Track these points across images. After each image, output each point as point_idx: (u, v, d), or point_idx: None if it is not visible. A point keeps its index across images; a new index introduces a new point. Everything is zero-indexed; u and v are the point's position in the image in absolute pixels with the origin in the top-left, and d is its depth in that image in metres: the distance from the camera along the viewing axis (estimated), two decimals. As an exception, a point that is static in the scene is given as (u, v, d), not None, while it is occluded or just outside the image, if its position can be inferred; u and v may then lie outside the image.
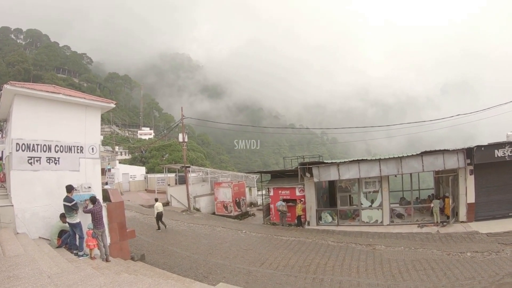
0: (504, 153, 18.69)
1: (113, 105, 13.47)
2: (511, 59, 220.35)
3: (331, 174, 21.93)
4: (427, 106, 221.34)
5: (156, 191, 35.68)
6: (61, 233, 10.53)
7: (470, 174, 19.58)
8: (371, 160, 21.18)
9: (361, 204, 21.88)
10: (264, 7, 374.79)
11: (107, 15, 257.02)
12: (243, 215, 30.86)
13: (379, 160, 20.78)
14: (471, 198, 19.49)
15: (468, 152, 19.36)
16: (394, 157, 20.61)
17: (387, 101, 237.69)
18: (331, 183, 24.89)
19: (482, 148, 19.20)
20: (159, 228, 21.60)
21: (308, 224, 22.77)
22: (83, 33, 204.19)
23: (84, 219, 10.52)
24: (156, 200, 23.25)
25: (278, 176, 27.52)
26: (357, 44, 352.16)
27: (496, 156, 18.84)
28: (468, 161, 19.40)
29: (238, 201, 30.71)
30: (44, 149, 10.78)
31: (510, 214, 19.05)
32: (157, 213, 21.82)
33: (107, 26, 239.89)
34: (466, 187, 19.66)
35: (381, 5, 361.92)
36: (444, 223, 19.26)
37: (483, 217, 19.21)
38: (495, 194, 19.42)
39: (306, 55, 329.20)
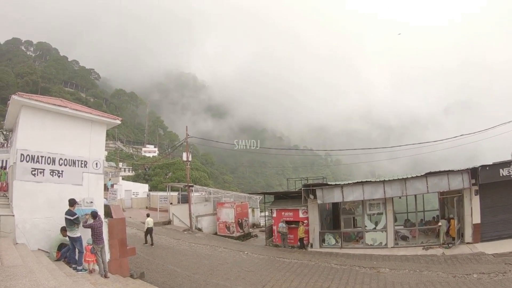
0: (509, 172, 18.43)
1: (118, 122, 13.55)
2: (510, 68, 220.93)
3: (335, 196, 21.77)
4: (430, 126, 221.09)
5: (158, 209, 35.43)
6: (61, 246, 10.41)
7: (475, 194, 19.30)
8: (375, 181, 21.03)
9: (365, 226, 21.61)
10: (272, 23, 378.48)
11: (116, 32, 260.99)
12: (245, 236, 30.55)
13: (383, 181, 20.62)
14: (477, 219, 19.15)
15: (473, 172, 19.11)
16: (398, 179, 20.46)
17: (390, 122, 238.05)
18: (335, 205, 24.65)
19: (487, 168, 18.97)
20: (146, 242, 21.66)
21: (311, 246, 22.46)
22: (91, 48, 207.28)
23: (84, 234, 10.42)
24: (148, 215, 23.37)
25: (281, 197, 27.34)
26: (360, 64, 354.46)
27: (501, 175, 18.58)
28: (473, 181, 19.11)
29: (240, 222, 30.46)
30: (48, 162, 10.80)
31: None
32: (147, 228, 22.07)
33: (115, 42, 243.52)
34: (471, 208, 19.35)
35: (382, 23, 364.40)
36: (449, 245, 18.91)
37: (489, 237, 18.81)
38: (501, 214, 19.09)
39: (311, 70, 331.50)
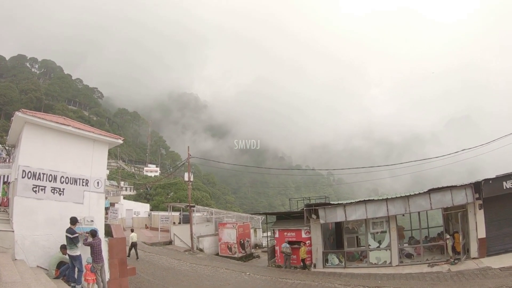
0: None
1: (120, 141, 13.63)
2: (509, 87, 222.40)
3: (338, 215, 21.59)
4: (432, 142, 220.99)
5: (159, 229, 35.15)
6: (60, 264, 10.31)
7: (480, 209, 19.07)
8: (377, 200, 20.89)
9: (369, 245, 21.33)
10: (272, 46, 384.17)
11: (120, 52, 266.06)
12: (248, 257, 30.17)
13: (386, 199, 20.48)
14: (482, 233, 18.85)
15: (476, 186, 18.97)
16: (401, 196, 20.33)
17: (391, 139, 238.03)
18: (338, 224, 24.39)
19: (490, 181, 18.82)
20: (129, 255, 21.70)
21: (314, 266, 22.14)
22: (95, 67, 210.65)
23: (84, 253, 10.31)
24: (132, 230, 24.36)
25: (283, 217, 27.13)
26: (362, 80, 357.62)
27: (505, 188, 18.42)
28: (477, 195, 18.95)
29: (242, 242, 30.15)
30: (50, 179, 10.79)
31: None
32: (132, 242, 22.95)
33: (118, 62, 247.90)
34: (476, 222, 19.08)
35: (383, 40, 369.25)
36: (455, 261, 18.59)
37: (496, 251, 18.51)
38: (507, 227, 18.83)
39: (311, 94, 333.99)
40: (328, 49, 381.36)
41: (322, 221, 21.89)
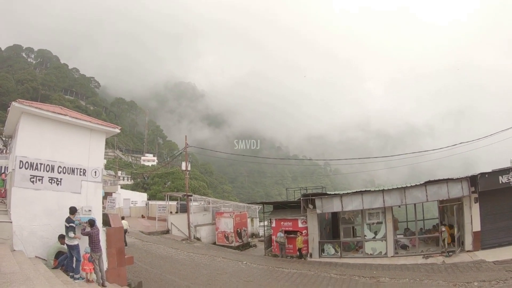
0: (509, 179, 18.42)
1: (118, 131, 13.56)
2: (505, 87, 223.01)
3: (334, 206, 21.72)
4: (428, 135, 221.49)
5: (156, 218, 35.29)
6: (58, 254, 10.36)
7: (475, 202, 19.25)
8: (374, 191, 21.02)
9: (365, 235, 21.51)
10: (267, 39, 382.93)
11: (116, 41, 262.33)
12: (244, 246, 30.39)
13: (383, 191, 20.60)
14: (477, 226, 19.07)
15: (472, 180, 19.11)
16: (397, 188, 20.46)
17: (387, 132, 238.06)
18: (334, 215, 24.53)
19: (486, 175, 18.94)
20: None
21: (311, 256, 22.33)
22: (91, 57, 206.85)
23: (82, 243, 10.36)
24: (123, 218, 24.24)
25: (280, 207, 27.24)
26: (358, 75, 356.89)
27: (500, 182, 18.55)
28: (473, 189, 19.09)
29: (239, 231, 30.33)
30: (47, 169, 10.76)
31: None
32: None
33: (115, 51, 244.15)
34: (471, 216, 19.29)
35: (381, 37, 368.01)
36: (450, 253, 18.82)
37: (490, 245, 18.75)
38: (501, 221, 19.04)
39: (308, 87, 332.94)
40: (324, 45, 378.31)
41: (318, 211, 22.01)
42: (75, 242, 10.07)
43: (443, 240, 19.68)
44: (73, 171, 11.51)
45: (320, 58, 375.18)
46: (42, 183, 10.60)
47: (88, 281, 10.00)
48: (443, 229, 19.90)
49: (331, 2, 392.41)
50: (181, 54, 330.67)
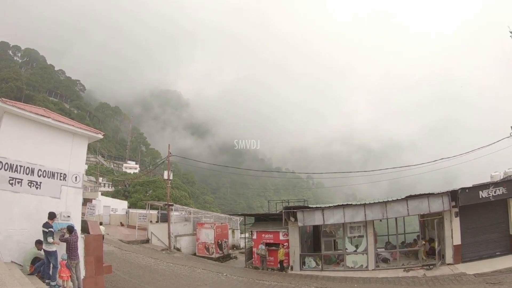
0: (489, 194, 18.93)
1: (100, 136, 13.43)
2: (486, 100, 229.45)
3: (316, 219, 21.80)
4: (410, 149, 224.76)
5: (137, 227, 34.81)
6: (35, 260, 10.07)
7: (456, 216, 19.64)
8: (356, 205, 21.21)
9: (346, 249, 21.61)
10: (259, 47, 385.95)
11: (106, 41, 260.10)
12: (225, 258, 30.16)
13: (364, 205, 20.81)
14: (457, 240, 19.44)
15: (453, 195, 19.51)
16: (379, 202, 20.71)
17: (370, 146, 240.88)
18: (316, 228, 24.62)
19: (467, 190, 19.39)
20: None
21: (292, 269, 22.27)
22: (78, 59, 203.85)
23: (59, 249, 10.13)
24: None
25: (262, 219, 27.21)
26: (345, 85, 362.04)
27: (480, 197, 19.05)
28: (453, 203, 19.49)
29: (220, 243, 30.09)
30: (27, 172, 10.49)
31: (497, 253, 19.09)
32: None
33: (103, 55, 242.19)
34: (452, 229, 19.66)
35: (367, 48, 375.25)
36: (430, 266, 19.04)
37: (470, 258, 19.14)
38: (481, 235, 19.51)
39: (295, 94, 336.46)
40: (313, 54, 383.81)
41: (300, 224, 22.04)
42: (53, 248, 9.84)
43: (421, 253, 20.05)
44: (53, 175, 11.26)
45: (309, 67, 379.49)
46: (21, 186, 10.31)
47: (64, 288, 9.77)
48: (424, 242, 20.24)
49: (325, 11, 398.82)
50: (172, 57, 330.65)
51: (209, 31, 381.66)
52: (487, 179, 21.91)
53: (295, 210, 22.38)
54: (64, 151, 11.81)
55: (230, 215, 43.23)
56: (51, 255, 9.79)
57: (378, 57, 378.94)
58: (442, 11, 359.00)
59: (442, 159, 24.14)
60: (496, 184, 19.60)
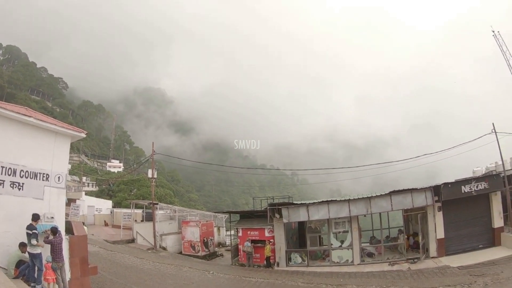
0: (471, 188, 19.52)
1: (83, 135, 13.25)
2: (469, 94, 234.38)
3: (301, 215, 22.02)
4: (394, 145, 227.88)
5: (121, 227, 34.46)
6: (19, 263, 9.90)
7: (439, 211, 20.16)
8: (340, 200, 21.47)
9: (331, 244, 21.86)
10: (238, 51, 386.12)
11: (86, 44, 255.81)
12: (211, 256, 30.14)
13: (348, 200, 21.10)
14: (441, 234, 19.98)
15: (436, 190, 20.03)
16: (363, 198, 21.06)
17: (355, 142, 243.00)
18: (301, 224, 24.84)
19: (449, 185, 19.96)
20: None
21: (278, 265, 22.43)
22: (61, 57, 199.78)
23: (44, 251, 10.00)
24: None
25: (247, 216, 27.33)
26: (326, 89, 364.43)
27: (463, 192, 19.66)
28: (436, 198, 20.06)
29: (206, 241, 30.05)
30: (9, 173, 10.22)
31: (480, 246, 19.77)
32: None
33: (84, 54, 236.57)
34: (435, 224, 20.20)
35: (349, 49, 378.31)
36: (415, 260, 19.43)
37: (454, 251, 19.73)
38: (464, 228, 20.13)
39: (278, 99, 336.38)
40: (294, 60, 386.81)
41: (285, 221, 22.21)
42: (37, 251, 9.69)
43: (404, 247, 20.52)
44: (36, 175, 11.01)
45: (290, 70, 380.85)
46: (3, 187, 10.04)
47: (50, 291, 9.67)
48: (406, 236, 20.70)
49: (302, 17, 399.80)
50: (153, 59, 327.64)
51: (189, 36, 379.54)
52: (469, 174, 22.51)
53: (280, 207, 22.54)
54: (46, 150, 11.57)
55: (215, 212, 43.16)
56: (35, 257, 9.65)
57: (361, 53, 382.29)
58: (428, 6, 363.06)
59: (425, 154, 24.68)
60: (478, 179, 20.19)
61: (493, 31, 26.98)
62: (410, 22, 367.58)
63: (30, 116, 11.01)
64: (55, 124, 12.08)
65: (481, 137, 23.41)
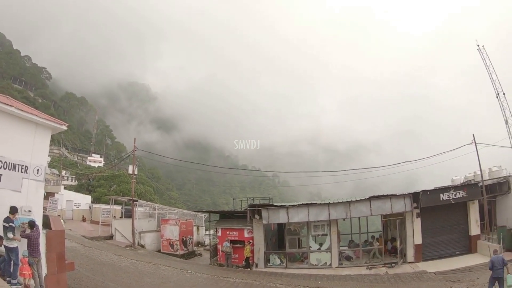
0: (449, 196, 20.11)
1: (65, 128, 13.10)
2: (452, 103, 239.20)
3: (280, 217, 22.19)
4: (375, 150, 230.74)
5: (100, 223, 34.01)
6: (-6, 257, 9.74)
7: (417, 217, 20.66)
8: (320, 204, 21.74)
9: (310, 247, 22.07)
10: (225, 49, 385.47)
11: (74, 33, 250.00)
12: (190, 255, 30.03)
13: (328, 204, 21.37)
14: (418, 240, 20.48)
15: (415, 196, 20.52)
16: (342, 202, 21.35)
17: (336, 147, 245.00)
18: (280, 226, 24.99)
19: (428, 193, 20.53)
20: None
21: (256, 266, 22.52)
22: (46, 46, 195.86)
23: (20, 245, 9.85)
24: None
25: (227, 216, 27.37)
26: (311, 92, 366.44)
27: (441, 199, 20.26)
28: (415, 204, 20.56)
29: (185, 239, 29.93)
30: (-13, 164, 9.96)
31: (456, 253, 20.37)
32: None
33: (70, 44, 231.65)
34: (413, 229, 20.70)
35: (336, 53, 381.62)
36: (392, 264, 19.79)
37: (431, 257, 20.25)
38: (442, 235, 20.71)
39: (262, 98, 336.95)
40: (281, 59, 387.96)
41: (265, 222, 22.34)
42: (14, 245, 9.56)
43: (375, 253, 20.98)
44: (14, 167, 10.75)
45: (277, 71, 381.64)
46: (-20, 178, 9.82)
47: (25, 287, 9.53)
48: (377, 242, 21.17)
49: (292, 17, 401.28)
50: (139, 52, 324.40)
51: (178, 29, 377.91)
52: (448, 183, 23.07)
53: (260, 208, 22.67)
54: (26, 142, 11.37)
55: (195, 211, 43.02)
56: (12, 251, 9.52)
57: (345, 58, 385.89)
58: (419, 11, 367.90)
59: (405, 162, 25.21)
60: (456, 188, 20.80)
61: (478, 45, 27.61)
62: (402, 28, 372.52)
63: (11, 106, 10.75)
64: (37, 115, 11.82)
65: (461, 147, 24.09)
